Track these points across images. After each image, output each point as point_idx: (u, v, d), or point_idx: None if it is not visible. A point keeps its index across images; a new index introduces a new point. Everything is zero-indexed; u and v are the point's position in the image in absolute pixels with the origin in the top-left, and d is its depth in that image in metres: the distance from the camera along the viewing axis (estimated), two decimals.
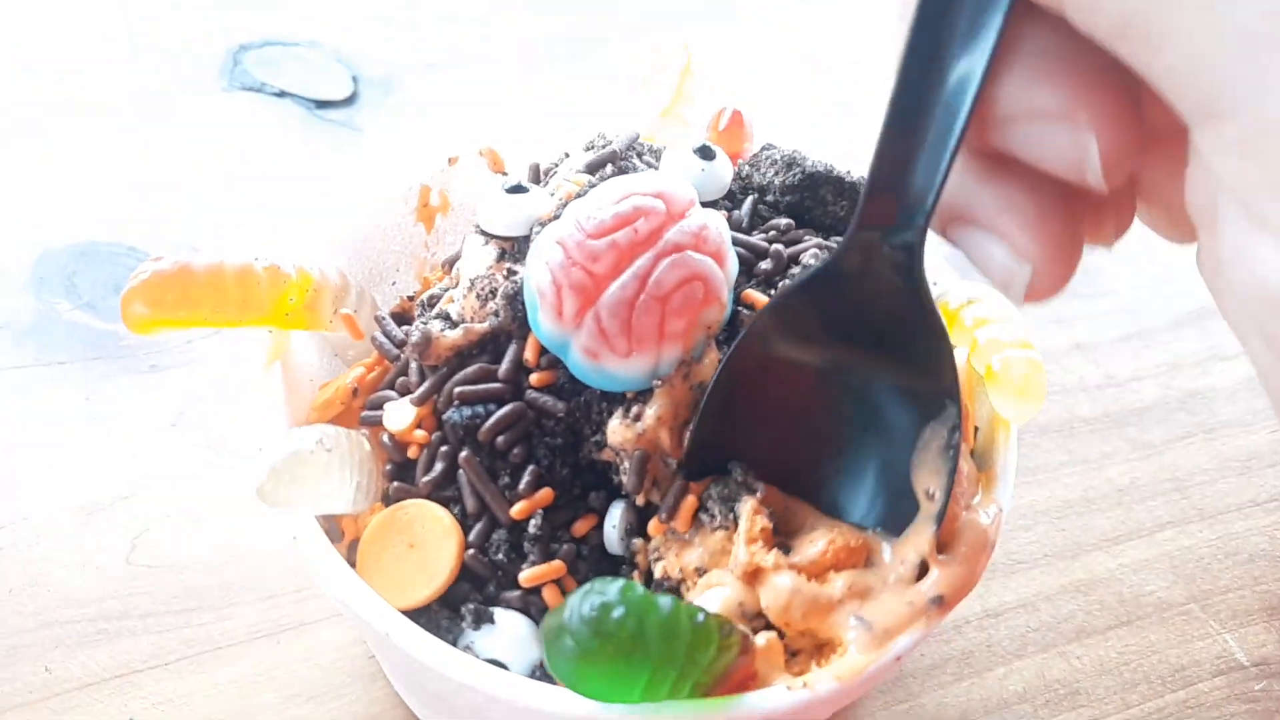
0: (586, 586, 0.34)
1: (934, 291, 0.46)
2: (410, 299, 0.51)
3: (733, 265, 0.41)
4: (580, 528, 0.41)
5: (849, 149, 0.79)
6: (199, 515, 0.56)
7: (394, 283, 0.52)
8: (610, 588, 0.34)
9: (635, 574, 0.41)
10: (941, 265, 0.50)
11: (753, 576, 0.38)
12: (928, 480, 0.38)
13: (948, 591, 0.38)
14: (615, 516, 0.40)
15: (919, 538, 0.38)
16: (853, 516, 0.39)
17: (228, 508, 0.56)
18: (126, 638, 0.51)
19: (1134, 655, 0.55)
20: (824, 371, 0.39)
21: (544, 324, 0.39)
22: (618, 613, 0.33)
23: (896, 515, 0.39)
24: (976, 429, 0.45)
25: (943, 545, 0.39)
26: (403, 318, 0.49)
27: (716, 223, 0.41)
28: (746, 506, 0.39)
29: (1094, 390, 0.67)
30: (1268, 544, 0.60)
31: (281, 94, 0.78)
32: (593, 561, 0.41)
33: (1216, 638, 0.56)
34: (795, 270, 0.43)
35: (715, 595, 0.39)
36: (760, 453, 0.40)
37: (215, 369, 0.62)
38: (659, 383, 0.40)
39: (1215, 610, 0.57)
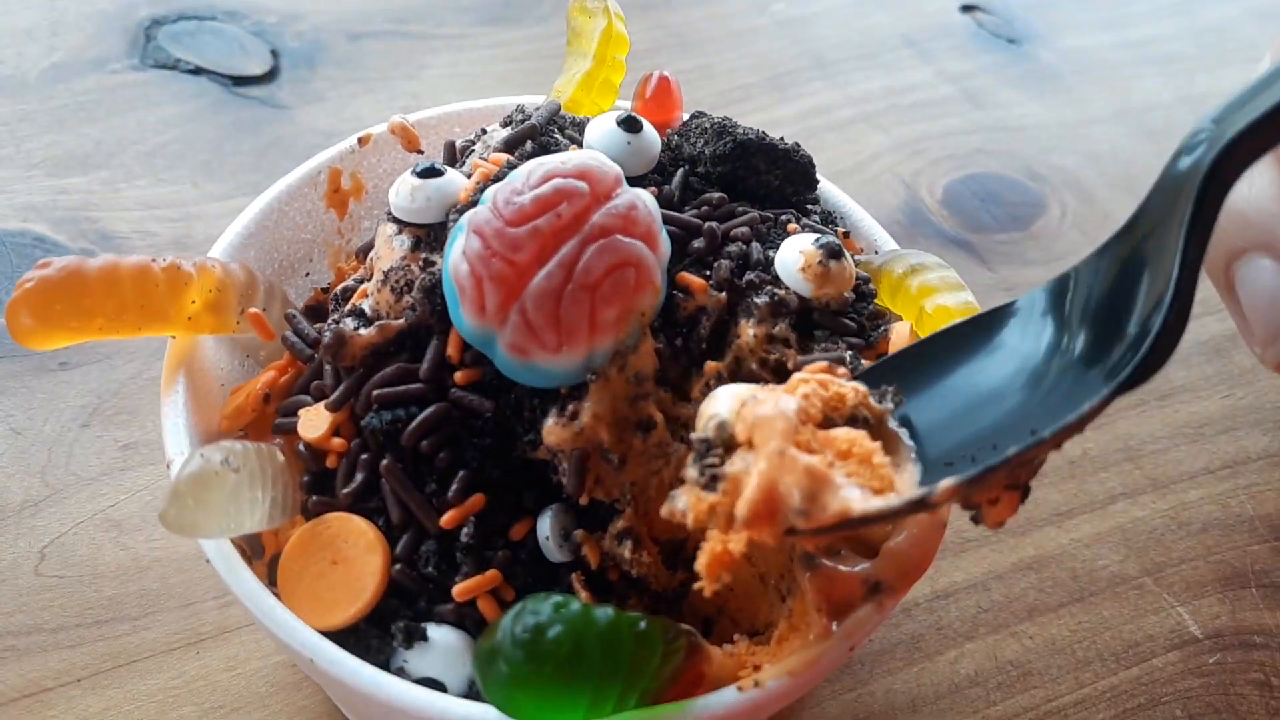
0: (519, 606, 0.32)
1: (877, 260, 0.45)
2: (325, 290, 0.48)
3: (665, 246, 0.39)
4: (517, 531, 0.39)
5: (778, 116, 0.78)
6: (114, 520, 0.53)
7: (307, 274, 0.49)
8: (544, 605, 0.32)
9: (576, 576, 0.39)
10: (882, 234, 0.49)
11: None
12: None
13: (894, 579, 0.37)
14: (546, 526, 0.38)
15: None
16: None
17: (145, 511, 0.53)
18: (36, 654, 0.48)
19: (1087, 633, 0.54)
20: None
21: (466, 319, 0.37)
22: (553, 631, 0.31)
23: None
24: None
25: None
26: (318, 311, 0.46)
27: (646, 201, 0.38)
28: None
29: None
30: (1220, 512, 0.59)
31: (197, 71, 0.75)
32: (531, 566, 0.39)
33: (1170, 611, 0.55)
34: (730, 248, 0.41)
35: (731, 389, 0.35)
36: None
37: (129, 363, 0.59)
38: (593, 376, 0.37)
39: (1169, 583, 0.56)
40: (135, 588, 0.51)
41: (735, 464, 0.33)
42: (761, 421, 0.32)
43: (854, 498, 0.32)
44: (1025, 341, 0.37)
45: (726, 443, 0.33)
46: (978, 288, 0.62)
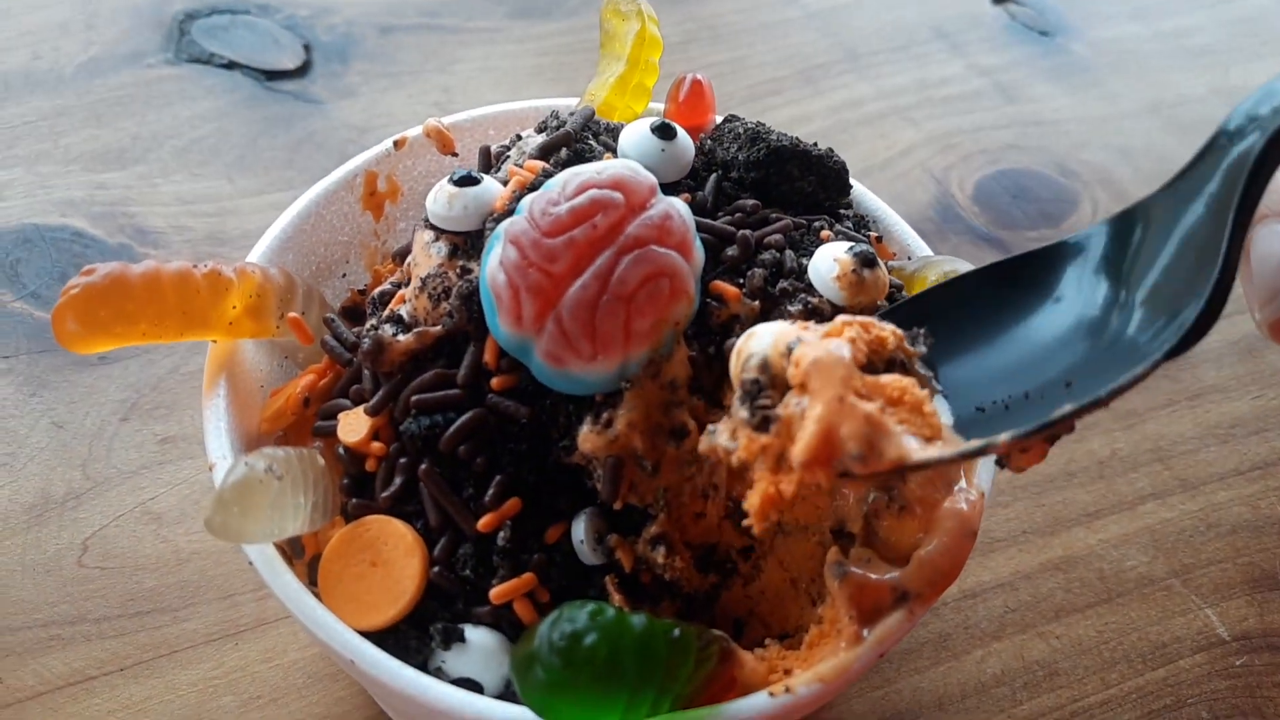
0: (556, 613, 0.32)
1: (910, 266, 0.45)
2: (362, 292, 0.49)
3: (699, 255, 0.39)
4: (552, 535, 0.39)
5: (810, 111, 0.78)
6: (154, 513, 0.54)
7: (344, 275, 0.49)
8: (580, 614, 0.32)
9: (609, 579, 0.39)
10: (914, 238, 0.49)
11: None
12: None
13: (923, 587, 0.37)
14: (580, 531, 0.39)
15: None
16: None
17: (184, 504, 0.54)
18: (80, 643, 0.49)
19: (1114, 633, 0.54)
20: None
21: (503, 328, 0.37)
22: (589, 639, 0.32)
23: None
24: None
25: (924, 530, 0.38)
26: (355, 311, 0.47)
27: (680, 211, 0.39)
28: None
29: None
30: (1250, 514, 0.59)
31: (230, 65, 0.75)
32: (566, 569, 0.39)
33: (1198, 613, 0.55)
34: (764, 255, 0.41)
35: (771, 327, 0.35)
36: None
37: (167, 358, 0.60)
38: (628, 384, 0.38)
39: (1197, 584, 0.56)
40: (175, 580, 0.52)
41: (789, 406, 0.33)
42: (819, 367, 0.33)
43: (912, 446, 0.32)
44: (1057, 291, 0.37)
45: (774, 383, 0.34)
46: None
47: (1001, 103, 0.82)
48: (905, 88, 0.82)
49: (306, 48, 0.77)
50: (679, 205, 0.39)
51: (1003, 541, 0.57)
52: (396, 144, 0.49)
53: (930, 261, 0.45)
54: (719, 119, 0.48)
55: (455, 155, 0.50)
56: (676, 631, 0.33)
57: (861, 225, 0.48)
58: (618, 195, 0.37)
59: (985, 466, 0.41)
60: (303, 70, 0.76)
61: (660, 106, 0.50)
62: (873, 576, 0.38)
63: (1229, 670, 0.53)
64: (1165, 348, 0.32)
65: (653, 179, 0.39)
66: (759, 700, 0.35)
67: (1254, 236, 0.43)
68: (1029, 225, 0.73)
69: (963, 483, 0.40)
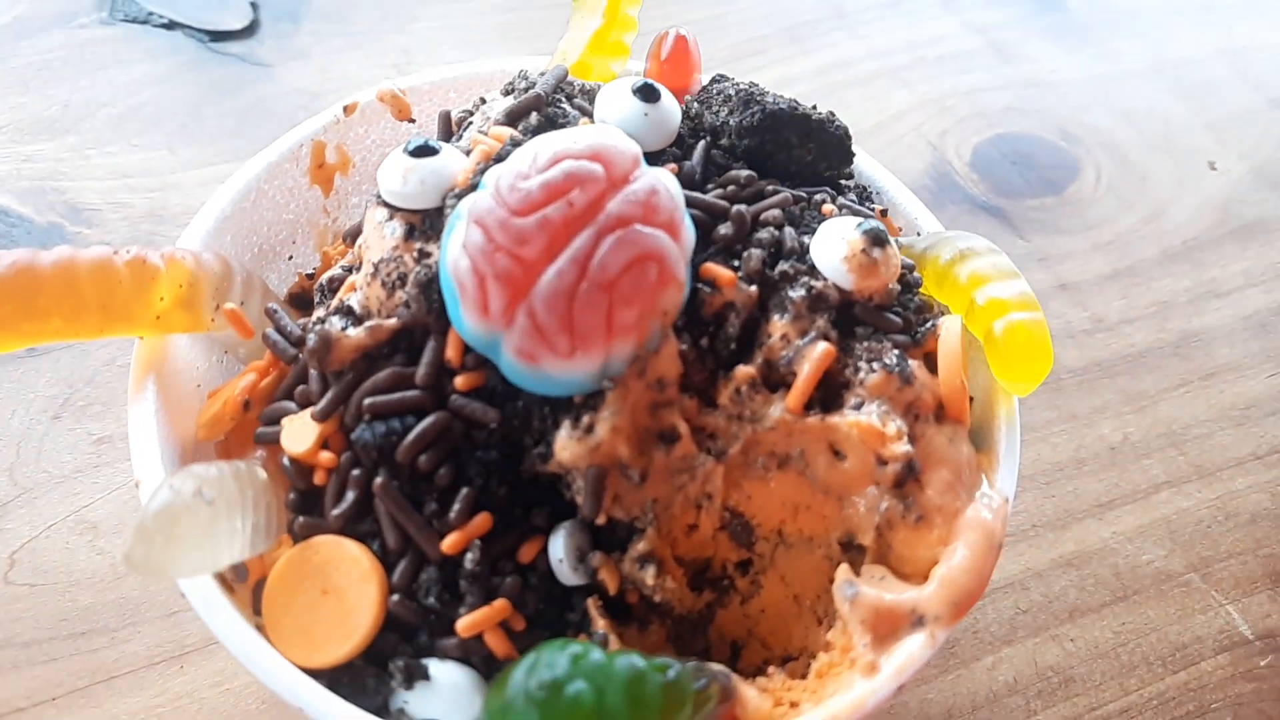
0: (533, 656, 0.28)
1: (920, 244, 0.41)
2: (310, 277, 0.44)
3: (689, 234, 0.35)
4: (526, 553, 0.35)
5: (797, 71, 0.74)
6: (89, 521, 0.49)
7: (290, 257, 0.45)
8: (560, 658, 0.28)
9: (592, 601, 0.35)
10: (922, 210, 0.44)
11: None
12: None
13: (944, 609, 0.33)
14: (559, 548, 0.34)
15: None
16: None
17: (122, 511, 0.50)
18: (6, 671, 0.45)
19: (1131, 635, 0.50)
20: None
21: (467, 320, 0.33)
22: (573, 689, 0.28)
23: None
24: (972, 400, 0.39)
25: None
26: (303, 299, 0.42)
27: (668, 185, 0.34)
28: None
29: (1081, 336, 0.62)
30: (1270, 502, 0.56)
31: (171, 25, 0.70)
32: (543, 591, 0.35)
33: (1219, 610, 0.52)
34: (760, 234, 0.37)
35: None
36: None
37: (103, 349, 0.55)
38: (610, 383, 0.33)
39: (1217, 579, 0.53)
40: (113, 596, 0.47)
41: None
42: None
43: None
44: None
45: None
46: (1011, 259, 0.58)
47: (998, 63, 0.78)
48: (897, 47, 0.78)
49: (254, 6, 0.72)
50: (666, 178, 0.34)
51: (1011, 537, 0.53)
52: (346, 110, 0.44)
53: (943, 238, 0.40)
54: (705, 79, 0.43)
55: (412, 122, 0.45)
56: (671, 672, 0.29)
57: (865, 197, 0.43)
58: (597, 167, 0.33)
59: (1008, 467, 0.37)
60: (250, 30, 0.71)
61: (640, 66, 0.45)
62: (888, 597, 0.34)
63: (1253, 672, 0.50)
64: None
65: (636, 148, 0.34)
66: None
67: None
68: (1030, 193, 0.69)
69: (985, 487, 0.36)
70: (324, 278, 0.39)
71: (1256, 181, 0.71)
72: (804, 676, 0.35)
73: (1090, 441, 0.57)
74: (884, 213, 0.43)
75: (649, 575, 0.35)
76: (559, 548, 0.35)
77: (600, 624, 0.34)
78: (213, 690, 0.45)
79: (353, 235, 0.41)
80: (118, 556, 0.48)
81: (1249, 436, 0.58)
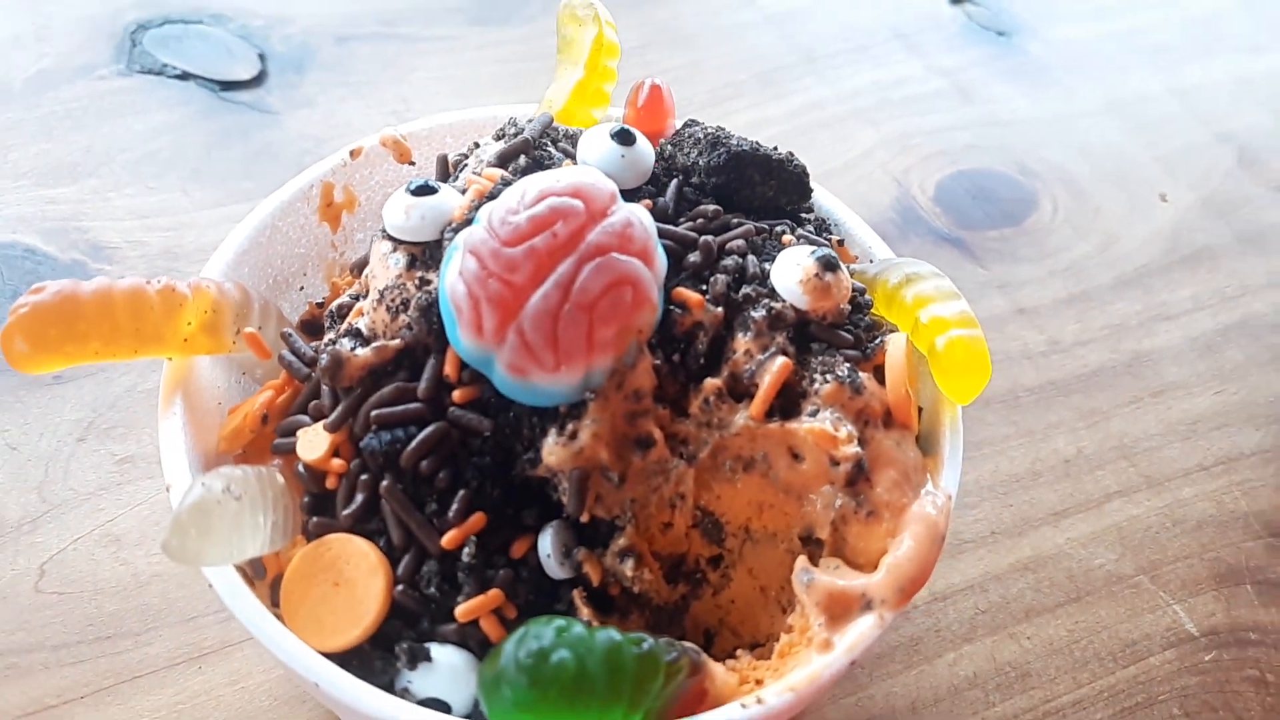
0: (522, 630, 0.32)
1: (871, 269, 0.45)
2: (320, 305, 0.48)
3: (661, 262, 0.39)
4: (518, 549, 0.39)
5: (770, 115, 0.78)
6: (113, 535, 0.53)
7: (301, 287, 0.48)
8: (546, 630, 0.32)
9: (577, 593, 0.39)
10: (876, 240, 0.49)
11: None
12: None
13: (891, 594, 0.37)
14: (547, 544, 0.38)
15: None
16: None
17: (144, 525, 0.53)
18: (38, 672, 0.48)
19: (1084, 632, 0.54)
20: None
21: (463, 340, 0.37)
22: (557, 656, 0.31)
23: None
24: (920, 410, 0.44)
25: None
26: (313, 325, 0.46)
27: (641, 218, 0.38)
28: None
29: (1038, 357, 0.66)
30: (1215, 509, 0.59)
31: (184, 76, 0.74)
32: (533, 584, 0.39)
33: (1166, 609, 0.55)
34: (726, 261, 0.41)
35: None
36: None
37: (125, 376, 0.58)
38: (592, 395, 0.37)
39: (1164, 581, 0.56)
40: (136, 603, 0.51)
41: None
42: None
43: None
44: None
45: None
46: (971, 286, 0.62)
47: (960, 103, 0.82)
48: (864, 89, 0.82)
49: (262, 57, 0.76)
50: (640, 212, 0.38)
51: (971, 543, 0.57)
52: (352, 154, 0.49)
53: (892, 264, 0.44)
54: (678, 124, 0.48)
55: (413, 164, 0.49)
56: (645, 645, 0.33)
57: (823, 229, 0.48)
58: (578, 203, 0.37)
59: (952, 468, 0.41)
60: (258, 80, 0.75)
61: (619, 112, 0.50)
62: (840, 582, 0.38)
63: (1198, 666, 0.53)
64: None
65: (613, 186, 0.38)
66: (730, 712, 0.35)
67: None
68: (990, 225, 0.74)
69: (930, 485, 0.40)
70: (334, 305, 0.43)
71: (1204, 211, 0.75)
72: (769, 657, 0.39)
73: (1046, 455, 0.61)
74: (840, 242, 0.48)
75: (628, 568, 0.38)
76: (547, 544, 0.38)
77: (585, 613, 0.38)
78: (229, 689, 0.48)
79: (359, 267, 0.45)
80: (140, 567, 0.52)
81: (1195, 449, 0.62)
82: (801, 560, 0.38)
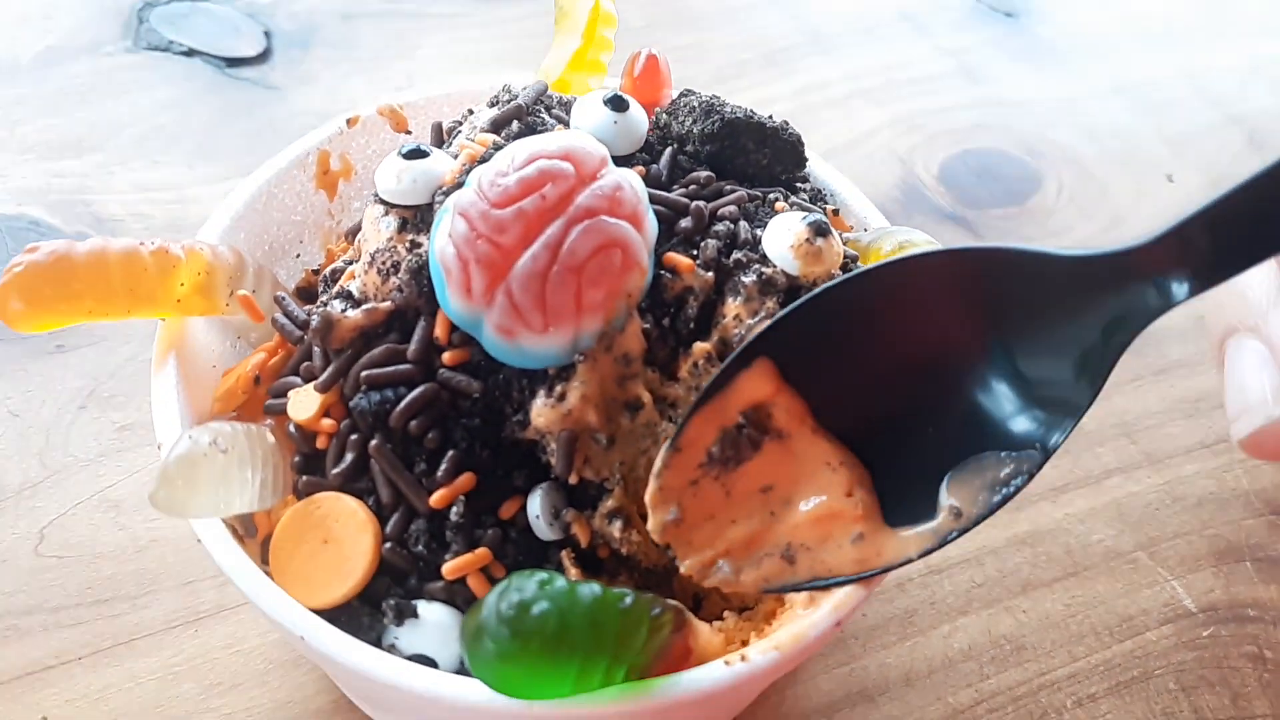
0: (505, 583, 0.32)
1: (865, 238, 0.45)
2: (316, 272, 0.48)
3: (651, 227, 0.39)
4: (506, 510, 0.39)
5: (774, 93, 0.78)
6: (113, 500, 0.53)
7: (298, 255, 0.49)
8: (529, 583, 0.32)
9: (566, 554, 0.39)
10: (872, 210, 0.49)
11: None
12: (962, 498, 0.36)
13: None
14: (536, 505, 0.38)
15: (907, 544, 0.36)
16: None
17: (142, 491, 0.53)
18: (37, 633, 0.49)
19: (1081, 607, 0.54)
20: (947, 338, 0.36)
21: (453, 302, 0.37)
22: (538, 608, 0.31)
23: (909, 506, 0.37)
24: None
25: None
26: (309, 293, 0.46)
27: (631, 182, 0.38)
28: None
29: None
30: (1215, 487, 0.59)
31: (190, 53, 0.75)
32: (521, 544, 0.39)
33: (1164, 585, 0.55)
34: (718, 227, 0.41)
35: None
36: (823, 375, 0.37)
37: (125, 345, 0.59)
38: (581, 357, 0.37)
39: (1163, 557, 0.56)
40: (134, 567, 0.51)
41: None
42: None
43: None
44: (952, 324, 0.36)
45: None
46: None
47: (967, 84, 0.82)
48: (870, 70, 0.82)
49: (267, 34, 0.77)
50: (630, 176, 0.39)
51: None
52: (349, 122, 0.49)
53: (886, 232, 0.44)
54: (674, 94, 0.48)
55: (409, 134, 0.49)
56: (628, 600, 0.33)
57: (818, 198, 0.48)
58: (567, 165, 0.37)
59: None
60: (263, 57, 0.75)
61: (617, 83, 0.50)
62: None
63: (1195, 642, 0.53)
64: (1018, 485, 0.35)
65: (603, 150, 0.39)
66: (715, 670, 0.35)
67: (1227, 348, 0.43)
68: (994, 204, 0.73)
69: None
70: (327, 270, 0.44)
71: (1211, 192, 0.74)
72: (756, 619, 0.39)
73: None
74: (835, 212, 0.47)
75: (616, 529, 0.39)
76: (536, 505, 0.39)
77: (573, 573, 0.38)
78: (225, 652, 0.49)
79: (353, 233, 0.46)
80: (139, 532, 0.52)
81: (1198, 427, 0.62)
82: None
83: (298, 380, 0.40)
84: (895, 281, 0.36)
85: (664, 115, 0.46)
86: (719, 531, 0.37)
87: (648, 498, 0.37)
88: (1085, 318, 0.33)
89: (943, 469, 0.37)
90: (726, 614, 0.39)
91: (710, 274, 0.40)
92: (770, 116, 0.46)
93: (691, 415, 0.37)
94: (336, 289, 0.41)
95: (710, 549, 0.37)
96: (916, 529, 0.37)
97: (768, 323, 0.38)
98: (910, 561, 0.36)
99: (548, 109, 0.45)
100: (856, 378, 0.37)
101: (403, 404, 0.38)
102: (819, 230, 0.40)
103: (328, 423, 0.39)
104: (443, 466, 0.38)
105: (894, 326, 0.37)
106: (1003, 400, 0.36)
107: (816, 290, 0.37)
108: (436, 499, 0.37)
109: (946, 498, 0.36)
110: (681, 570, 0.37)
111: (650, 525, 0.37)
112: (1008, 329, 0.35)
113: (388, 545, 0.37)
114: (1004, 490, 0.35)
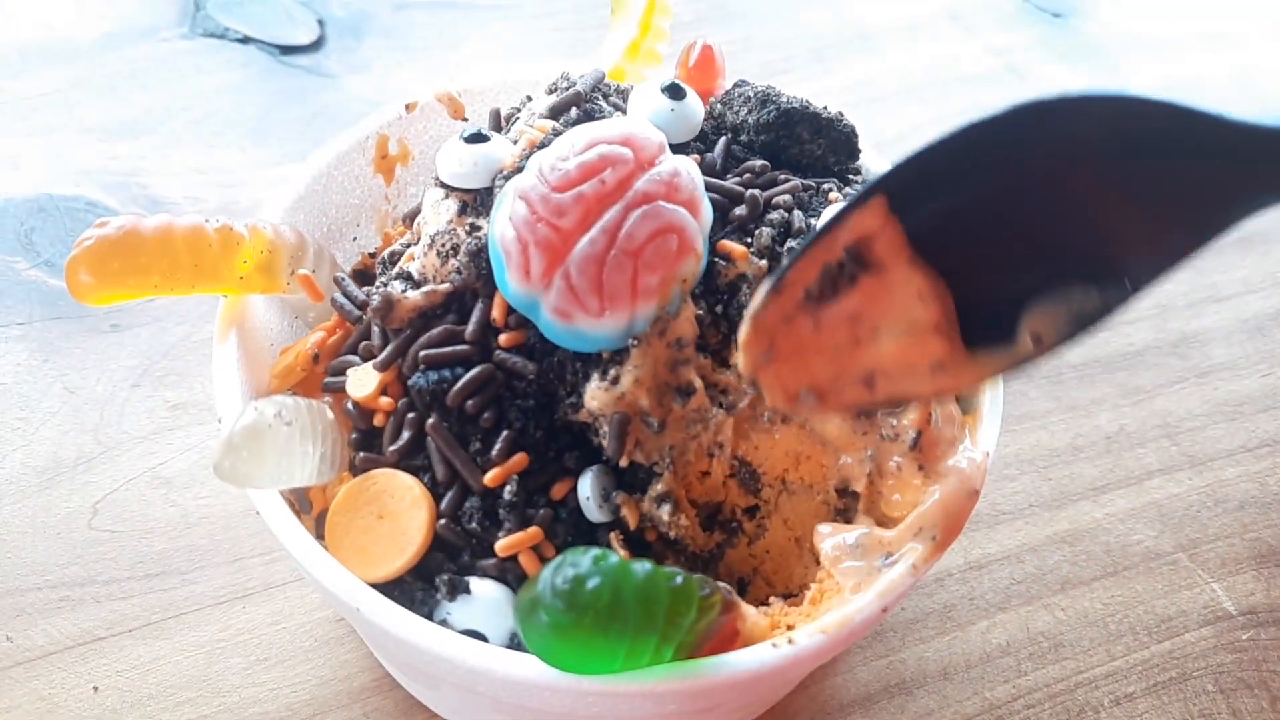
0: (559, 558, 0.32)
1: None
2: (372, 255, 0.49)
3: (707, 213, 0.39)
4: (558, 491, 0.39)
5: (820, 88, 0.78)
6: (164, 477, 0.54)
7: (355, 238, 0.49)
8: (583, 559, 0.32)
9: (614, 535, 0.39)
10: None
11: None
12: (1043, 325, 0.35)
13: (928, 547, 0.37)
14: (587, 487, 0.39)
15: (984, 368, 0.34)
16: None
17: (193, 469, 0.55)
18: (89, 604, 0.50)
19: (1120, 606, 0.54)
20: (1064, 175, 0.33)
21: (511, 284, 0.38)
22: (592, 583, 0.32)
23: (989, 328, 0.34)
24: None
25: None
26: (365, 275, 0.47)
27: (688, 169, 0.39)
28: None
29: None
30: (1258, 490, 0.59)
31: (245, 40, 0.76)
32: (571, 525, 0.39)
33: (1204, 587, 0.55)
34: (772, 215, 0.41)
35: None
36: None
37: (179, 326, 0.60)
38: (635, 341, 0.38)
39: (1203, 559, 0.56)
40: (184, 543, 0.52)
41: None
42: None
43: None
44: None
45: None
46: None
47: (1014, 83, 0.82)
48: (916, 68, 0.82)
49: (321, 23, 0.78)
50: (687, 163, 0.39)
51: (1009, 514, 0.57)
52: (408, 107, 0.50)
53: None
54: (729, 85, 0.48)
55: (466, 120, 0.50)
56: (679, 579, 0.33)
57: None
58: (626, 151, 0.38)
59: (990, 425, 0.41)
60: (317, 45, 0.76)
61: (672, 73, 0.50)
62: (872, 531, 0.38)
63: (1235, 644, 0.53)
64: (1102, 317, 0.33)
65: (661, 136, 0.39)
66: (762, 652, 0.35)
67: None
68: None
69: (967, 441, 0.40)
70: (386, 252, 0.44)
71: None
72: (801, 605, 0.39)
73: (1088, 430, 0.61)
74: None
75: (665, 513, 0.39)
76: (586, 487, 0.39)
77: (622, 555, 0.39)
78: (271, 628, 0.50)
79: (411, 217, 0.46)
80: (189, 508, 0.53)
81: (1240, 430, 0.62)
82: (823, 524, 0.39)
83: (356, 359, 0.41)
84: (1034, 121, 0.35)
85: (718, 105, 0.47)
86: (805, 365, 0.35)
87: (741, 338, 0.36)
88: (1218, 179, 0.33)
89: (1027, 294, 0.36)
90: (772, 599, 0.40)
91: (764, 262, 0.40)
92: (825, 107, 0.46)
93: (800, 256, 0.36)
94: (396, 270, 0.42)
95: (796, 383, 0.36)
96: (995, 353, 0.36)
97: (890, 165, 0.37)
98: (984, 384, 0.34)
99: (605, 96, 0.45)
100: (959, 206, 0.36)
101: (460, 383, 0.38)
102: None
103: (385, 401, 0.39)
104: (497, 446, 0.38)
105: (1012, 165, 0.35)
106: (1098, 234, 0.35)
107: (953, 130, 0.36)
108: (491, 477, 0.38)
109: (1028, 324, 0.36)
110: (768, 402, 0.36)
111: (741, 365, 0.36)
112: (1129, 174, 0.34)
113: (442, 522, 0.38)
114: (1087, 322, 0.34)
